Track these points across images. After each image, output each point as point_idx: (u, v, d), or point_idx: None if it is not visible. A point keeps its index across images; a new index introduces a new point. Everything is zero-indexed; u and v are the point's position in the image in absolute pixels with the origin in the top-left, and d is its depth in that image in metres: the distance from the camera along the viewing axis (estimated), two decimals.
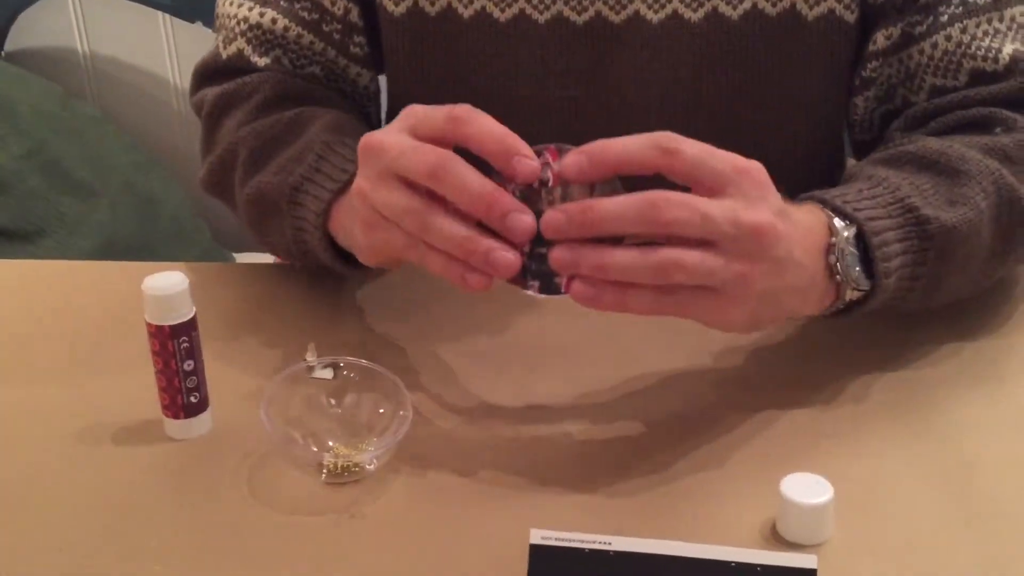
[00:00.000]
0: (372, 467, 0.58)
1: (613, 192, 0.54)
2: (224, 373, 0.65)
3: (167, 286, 0.58)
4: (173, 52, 1.63)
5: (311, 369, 0.66)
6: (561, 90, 0.77)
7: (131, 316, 0.73)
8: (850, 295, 0.60)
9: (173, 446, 0.61)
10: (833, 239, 0.59)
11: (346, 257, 0.68)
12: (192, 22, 1.56)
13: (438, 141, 0.55)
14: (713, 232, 0.52)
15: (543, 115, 0.77)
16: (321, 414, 0.61)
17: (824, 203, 0.61)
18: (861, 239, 0.60)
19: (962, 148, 0.66)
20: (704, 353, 0.68)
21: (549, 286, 0.55)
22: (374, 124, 0.85)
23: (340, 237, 0.66)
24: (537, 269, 0.54)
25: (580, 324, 0.71)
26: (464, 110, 0.55)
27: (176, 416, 0.61)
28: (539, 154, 0.54)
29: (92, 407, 0.64)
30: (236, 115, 0.77)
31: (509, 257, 0.53)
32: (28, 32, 1.64)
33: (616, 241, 0.53)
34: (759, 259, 0.54)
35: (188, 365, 0.59)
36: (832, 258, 0.59)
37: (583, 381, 0.66)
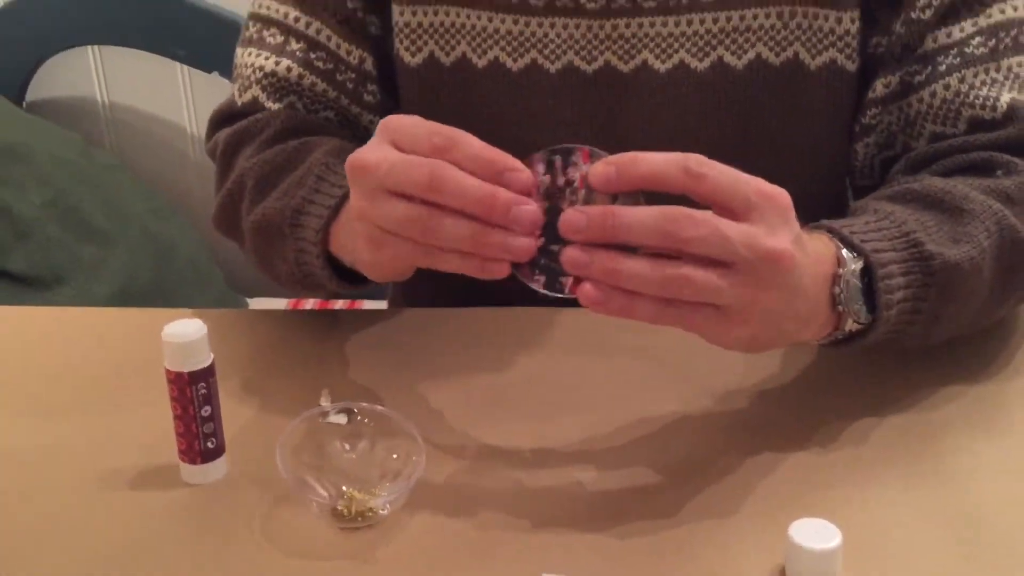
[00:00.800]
0: (385, 512, 0.59)
1: (635, 201, 0.54)
2: (240, 418, 0.66)
3: (187, 334, 0.59)
4: (190, 101, 1.66)
5: (325, 414, 0.67)
6: (572, 137, 0.78)
7: (148, 362, 0.74)
8: (850, 326, 0.61)
9: (189, 491, 0.62)
10: (840, 270, 0.60)
11: (351, 275, 0.69)
12: (209, 72, 1.59)
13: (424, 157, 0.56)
14: (730, 255, 0.53)
15: None
16: (335, 459, 0.61)
17: (833, 233, 0.62)
18: (867, 272, 0.60)
19: (965, 188, 0.67)
20: (711, 397, 0.69)
21: (554, 284, 0.55)
22: None
23: (344, 255, 0.67)
24: (545, 264, 0.55)
25: (588, 368, 0.72)
26: (445, 137, 0.56)
27: (193, 461, 0.62)
28: (570, 153, 0.55)
29: (110, 452, 0.65)
30: (247, 151, 0.78)
31: (525, 241, 0.54)
32: (49, 82, 1.68)
33: (630, 248, 0.54)
34: (770, 285, 0.54)
35: (206, 411, 0.61)
36: (836, 289, 0.59)
37: (591, 425, 0.66)
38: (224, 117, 0.84)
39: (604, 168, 0.53)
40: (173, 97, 1.66)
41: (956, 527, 0.58)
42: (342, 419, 0.67)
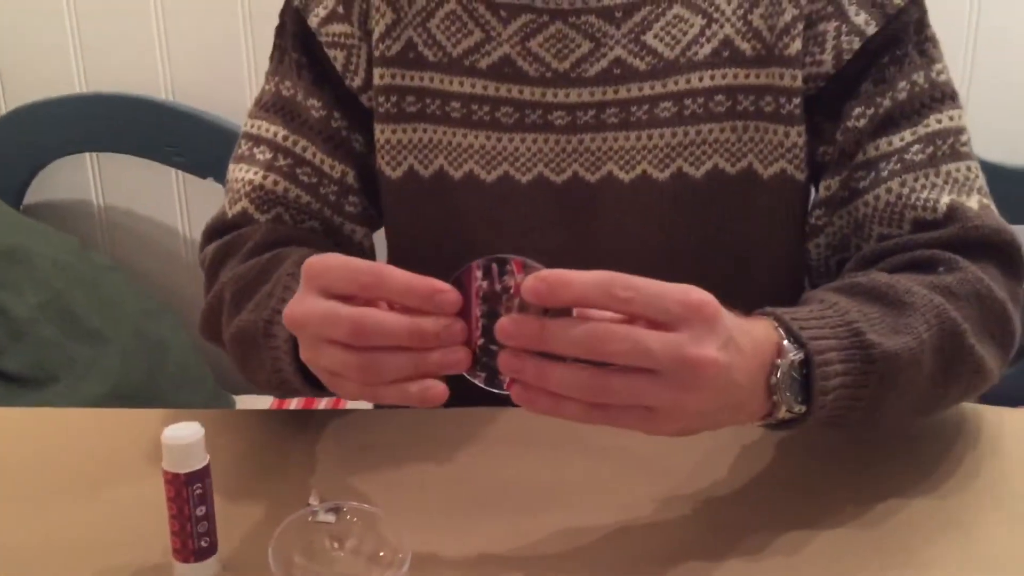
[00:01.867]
0: None
1: (566, 311, 0.57)
2: (231, 517, 0.68)
3: (185, 436, 0.61)
4: (184, 205, 1.71)
5: (315, 513, 0.69)
6: (543, 243, 0.84)
7: (141, 461, 0.76)
8: (782, 414, 0.63)
9: None
10: (778, 360, 0.62)
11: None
12: (204, 178, 1.64)
13: (354, 298, 0.59)
14: (654, 364, 0.55)
15: None
16: (325, 558, 0.63)
17: (778, 321, 0.64)
18: (806, 363, 0.63)
19: (909, 283, 0.70)
20: (693, 497, 0.71)
21: (493, 380, 0.59)
22: None
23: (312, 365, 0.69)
24: (486, 363, 0.58)
25: (569, 465, 0.74)
26: (371, 275, 0.58)
27: (186, 560, 0.63)
28: (505, 262, 0.58)
29: (103, 550, 0.67)
30: (231, 263, 0.82)
31: (461, 354, 0.58)
32: (47, 186, 1.71)
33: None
34: (696, 388, 0.57)
35: (200, 511, 0.63)
36: (773, 379, 0.61)
37: (573, 522, 0.68)
38: (216, 230, 0.89)
39: (535, 284, 0.55)
40: (167, 201, 1.70)
41: None
42: (331, 517, 0.69)
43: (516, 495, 0.72)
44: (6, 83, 1.68)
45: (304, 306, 0.60)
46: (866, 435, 0.75)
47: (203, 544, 0.63)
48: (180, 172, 1.67)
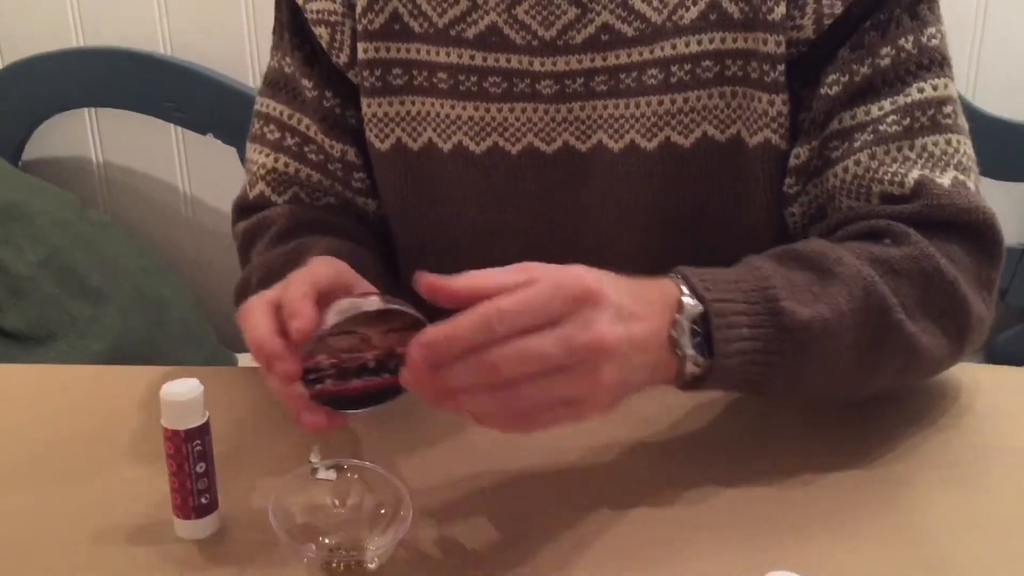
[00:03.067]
0: (374, 565, 0.60)
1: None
2: (232, 474, 0.68)
3: (184, 392, 0.61)
4: (183, 162, 1.70)
5: (315, 471, 0.69)
6: (535, 213, 0.83)
7: (141, 418, 0.76)
8: (690, 370, 0.63)
9: (183, 545, 0.63)
10: (677, 315, 0.62)
11: None
12: (203, 134, 1.63)
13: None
14: (555, 364, 0.56)
15: (519, 236, 0.84)
16: (326, 514, 0.63)
17: (684, 279, 0.64)
18: (706, 317, 0.63)
19: (843, 252, 0.68)
20: (678, 455, 0.71)
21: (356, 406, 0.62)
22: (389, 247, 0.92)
23: None
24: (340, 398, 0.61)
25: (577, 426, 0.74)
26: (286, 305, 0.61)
27: (187, 516, 0.63)
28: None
29: (104, 508, 0.67)
30: (258, 246, 0.85)
31: (308, 420, 0.61)
32: (45, 143, 1.70)
33: None
34: (603, 366, 0.57)
35: (200, 467, 0.62)
36: (673, 333, 0.62)
37: (572, 481, 0.69)
38: (241, 209, 0.91)
39: (422, 352, 0.56)
40: (167, 157, 1.69)
41: None
42: (331, 475, 0.69)
43: (519, 452, 0.72)
44: (3, 38, 1.66)
45: (247, 313, 0.64)
46: (850, 402, 0.75)
47: (203, 501, 0.63)
48: (179, 128, 1.66)
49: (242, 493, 0.67)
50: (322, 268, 0.66)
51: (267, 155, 0.88)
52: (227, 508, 0.65)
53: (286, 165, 0.88)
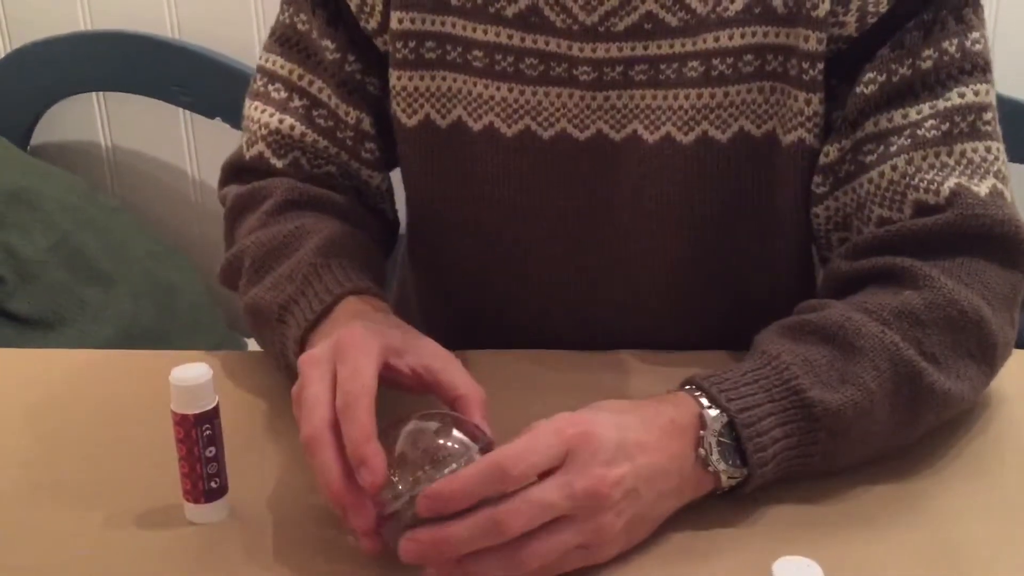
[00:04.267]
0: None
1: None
2: (242, 458, 0.68)
3: (193, 376, 0.61)
4: (192, 146, 1.69)
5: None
6: (564, 200, 0.81)
7: (151, 403, 0.76)
8: (726, 482, 0.62)
9: (193, 530, 0.63)
10: (702, 432, 0.61)
11: None
12: (212, 118, 1.62)
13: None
14: (557, 513, 0.56)
15: (547, 222, 0.82)
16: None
17: (702, 391, 0.63)
18: (733, 426, 0.61)
19: (861, 320, 0.66)
20: None
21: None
22: (389, 219, 0.90)
23: None
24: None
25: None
26: (346, 402, 0.59)
27: (197, 501, 0.63)
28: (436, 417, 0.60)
29: (114, 492, 0.67)
30: (249, 218, 0.82)
31: (366, 545, 0.58)
32: (53, 127, 1.70)
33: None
34: (608, 508, 0.57)
35: (210, 452, 0.62)
36: (701, 451, 0.61)
37: None
38: (235, 168, 0.88)
39: (428, 503, 0.55)
40: (176, 142, 1.69)
41: (938, 566, 0.59)
42: None
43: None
44: (10, 22, 1.66)
45: (311, 370, 0.62)
46: None
47: (213, 485, 0.63)
48: (187, 112, 1.66)
49: (252, 477, 0.67)
50: (370, 367, 0.61)
51: (271, 115, 0.84)
52: (237, 492, 0.65)
53: (291, 128, 0.84)
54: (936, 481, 0.66)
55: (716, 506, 0.64)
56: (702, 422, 0.61)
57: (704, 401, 0.62)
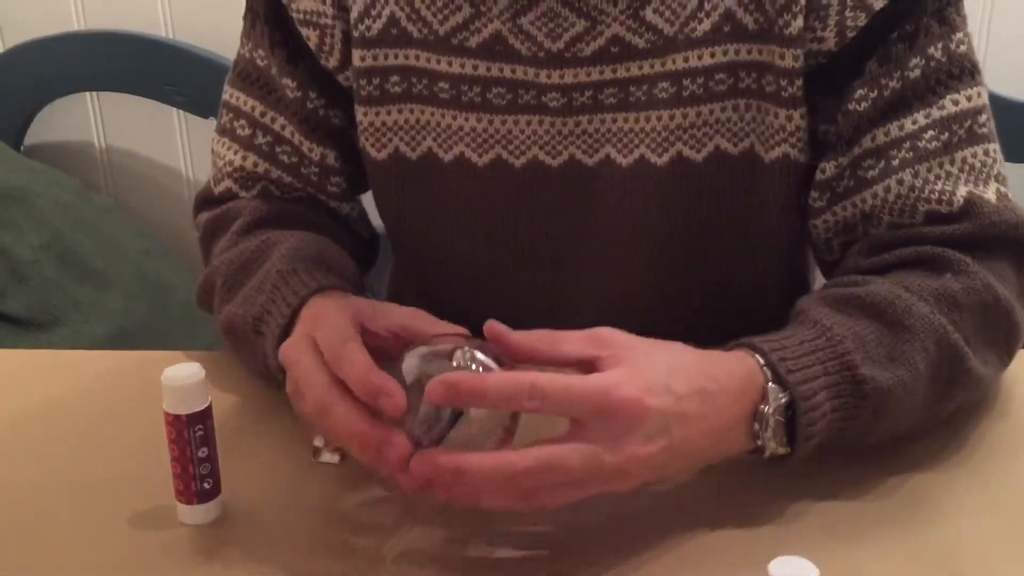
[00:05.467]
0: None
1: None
2: (234, 459, 0.68)
3: (185, 377, 0.61)
4: (186, 145, 1.69)
5: (318, 452, 0.69)
6: (539, 227, 0.81)
7: (144, 403, 0.76)
8: (768, 455, 0.63)
9: (185, 531, 0.63)
10: (763, 407, 0.61)
11: None
12: (205, 118, 1.62)
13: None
14: (576, 479, 0.56)
15: (523, 249, 0.82)
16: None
17: (765, 359, 0.62)
18: (791, 405, 0.61)
19: (910, 299, 0.66)
20: None
21: None
22: (365, 238, 0.91)
23: None
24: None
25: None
26: (334, 353, 0.60)
27: (189, 502, 0.63)
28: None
29: (106, 493, 0.67)
30: (221, 240, 0.82)
31: (405, 483, 0.58)
32: (47, 127, 1.70)
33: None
34: (623, 481, 0.58)
35: (202, 452, 0.62)
36: (756, 426, 0.61)
37: None
38: (206, 200, 0.89)
39: (442, 389, 0.55)
40: (169, 141, 1.69)
41: (934, 565, 0.59)
42: (335, 459, 0.69)
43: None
44: (4, 22, 1.65)
45: (294, 352, 0.63)
46: None
47: (206, 486, 0.63)
48: (181, 111, 1.65)
49: (245, 478, 0.67)
50: (347, 323, 0.63)
51: (235, 152, 0.85)
52: (230, 493, 0.65)
53: (255, 164, 0.84)
54: (935, 480, 0.66)
55: (713, 506, 0.64)
56: (763, 396, 0.61)
57: (768, 372, 0.62)
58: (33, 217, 1.44)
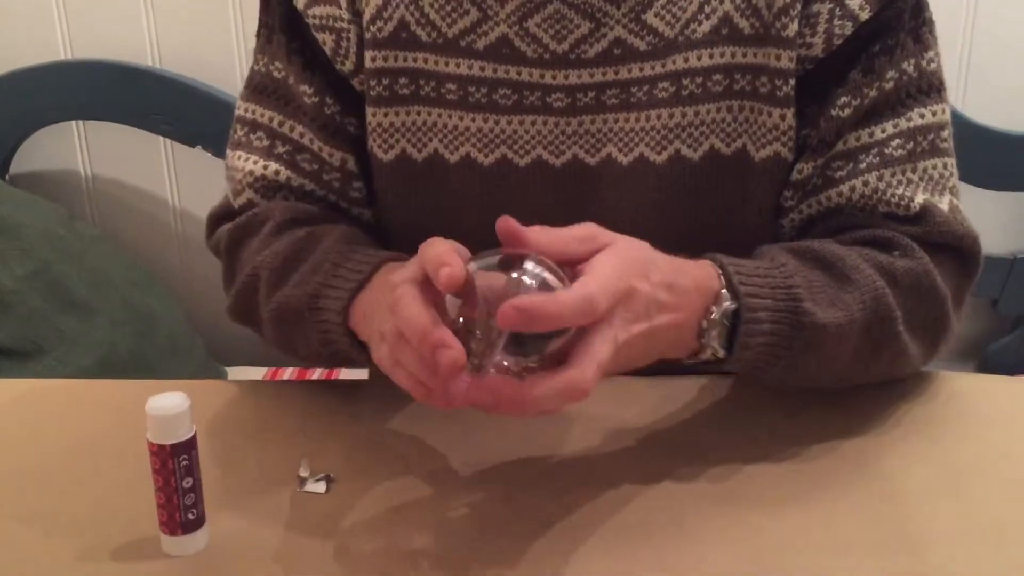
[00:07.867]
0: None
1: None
2: (219, 489, 0.67)
3: (169, 406, 0.60)
4: (173, 174, 1.69)
5: (303, 482, 0.68)
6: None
7: (129, 433, 0.75)
8: (706, 356, 0.68)
9: (170, 562, 0.63)
10: (713, 307, 0.67)
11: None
12: (192, 146, 1.62)
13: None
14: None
15: None
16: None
17: (723, 270, 0.69)
18: (736, 314, 0.67)
19: (858, 259, 0.73)
20: (679, 462, 0.70)
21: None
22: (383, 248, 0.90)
23: (361, 333, 0.71)
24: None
25: (559, 438, 0.74)
26: (395, 330, 0.62)
27: (174, 532, 0.63)
28: (519, 259, 0.61)
29: (91, 524, 0.66)
30: (251, 243, 0.82)
31: (455, 392, 0.59)
32: (33, 156, 1.70)
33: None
34: (618, 364, 0.62)
35: (187, 482, 0.62)
36: (704, 323, 0.67)
37: (563, 496, 0.68)
38: (223, 216, 0.88)
39: (514, 314, 0.56)
40: (155, 170, 1.69)
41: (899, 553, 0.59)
42: (321, 488, 0.69)
43: (509, 463, 0.71)
44: None
45: (397, 276, 0.64)
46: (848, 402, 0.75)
47: (190, 516, 0.63)
48: (168, 140, 1.65)
49: (230, 508, 0.67)
50: (415, 295, 0.63)
51: (255, 162, 0.85)
52: (215, 524, 0.64)
53: (276, 172, 0.85)
54: (917, 503, 0.66)
55: (705, 503, 0.64)
56: (717, 299, 0.67)
57: (723, 280, 0.68)
58: (18, 246, 1.43)
